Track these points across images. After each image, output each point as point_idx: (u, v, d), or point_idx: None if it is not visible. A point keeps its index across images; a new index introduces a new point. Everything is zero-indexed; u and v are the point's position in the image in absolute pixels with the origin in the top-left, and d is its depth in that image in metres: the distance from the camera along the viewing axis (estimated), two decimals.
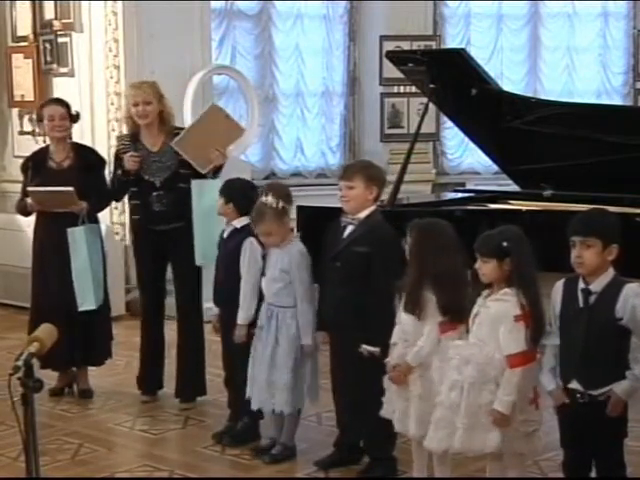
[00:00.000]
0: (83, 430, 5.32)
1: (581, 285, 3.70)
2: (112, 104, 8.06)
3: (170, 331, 5.83)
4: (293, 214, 5.06)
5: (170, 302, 5.83)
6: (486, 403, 3.79)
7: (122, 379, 6.23)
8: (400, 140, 8.87)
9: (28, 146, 7.69)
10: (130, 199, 5.72)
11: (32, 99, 8.42)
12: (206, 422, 5.42)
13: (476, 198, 6.38)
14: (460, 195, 6.75)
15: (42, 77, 8.42)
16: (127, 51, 8.00)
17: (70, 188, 5.54)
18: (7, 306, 8.18)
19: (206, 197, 5.34)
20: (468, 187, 7.79)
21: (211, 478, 4.68)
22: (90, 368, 5.99)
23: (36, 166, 5.81)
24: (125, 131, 6.02)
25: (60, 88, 8.21)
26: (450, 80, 5.95)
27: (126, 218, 7.90)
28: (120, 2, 7.95)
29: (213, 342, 5.54)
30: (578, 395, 3.70)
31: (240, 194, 4.96)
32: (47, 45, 8.36)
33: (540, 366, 3.83)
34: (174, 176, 5.56)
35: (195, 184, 5.46)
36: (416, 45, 9.08)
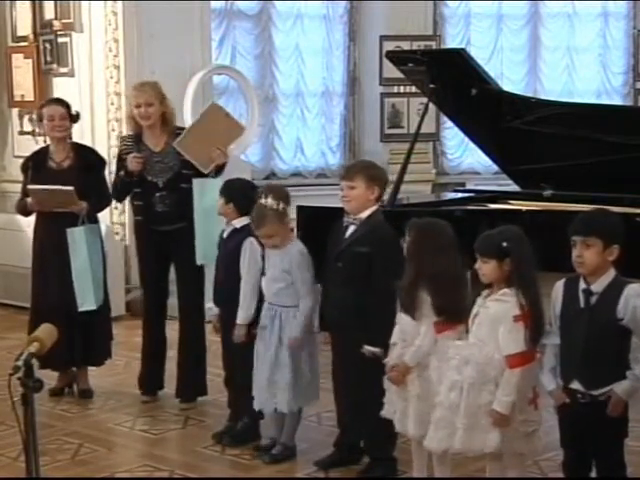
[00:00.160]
0: (83, 430, 5.32)
1: (582, 285, 3.70)
2: (112, 104, 8.07)
3: (171, 331, 5.83)
4: (292, 214, 5.06)
5: (171, 302, 5.83)
6: (486, 403, 3.79)
7: (122, 379, 6.23)
8: (400, 140, 8.87)
9: (28, 146, 7.69)
10: (133, 200, 5.72)
11: (32, 99, 8.42)
12: (206, 422, 5.42)
13: (476, 198, 6.38)
14: (460, 195, 6.76)
15: (42, 77, 8.42)
16: (127, 51, 8.00)
17: (70, 188, 5.54)
18: (7, 306, 8.18)
19: (207, 196, 5.33)
20: (468, 187, 7.79)
21: (211, 478, 4.68)
22: (90, 368, 5.99)
23: (36, 166, 5.81)
24: (126, 131, 6.02)
25: (60, 88, 8.21)
26: (450, 80, 5.95)
27: (126, 218, 7.92)
28: (120, 2, 7.96)
29: (213, 342, 5.53)
30: (579, 395, 3.70)
31: (240, 194, 4.95)
32: (47, 45, 8.36)
33: (540, 366, 3.83)
34: (177, 176, 5.56)
35: (197, 183, 5.46)
36: (416, 45, 9.08)
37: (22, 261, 7.13)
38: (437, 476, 4.18)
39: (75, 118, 5.88)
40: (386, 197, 5.21)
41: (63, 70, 8.31)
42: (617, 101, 10.35)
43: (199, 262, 5.47)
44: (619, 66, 10.52)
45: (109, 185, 5.99)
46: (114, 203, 6.46)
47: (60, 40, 8.26)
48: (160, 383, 5.83)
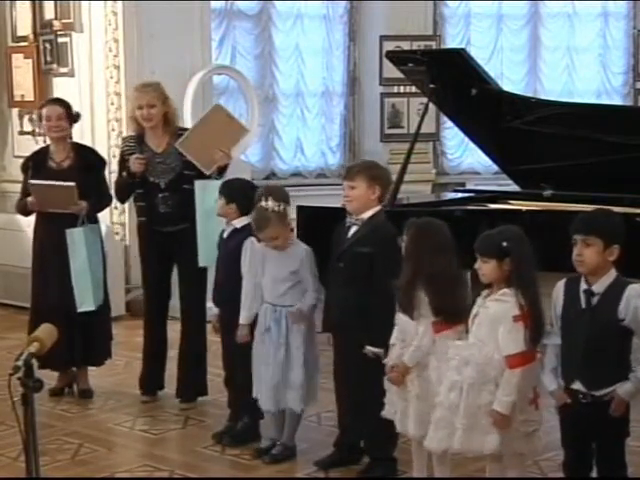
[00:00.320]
0: (83, 430, 5.32)
1: (583, 286, 3.70)
2: (112, 104, 8.07)
3: (171, 331, 5.83)
4: (292, 214, 5.06)
5: (172, 303, 5.83)
6: (485, 404, 3.79)
7: (122, 379, 6.23)
8: (400, 140, 8.87)
9: (28, 146, 7.69)
10: (135, 201, 5.71)
11: (32, 99, 8.42)
12: (206, 422, 5.42)
13: (476, 198, 6.38)
14: (460, 195, 6.76)
15: (42, 77, 8.42)
16: (127, 51, 8.00)
17: (71, 183, 5.53)
18: (7, 306, 8.18)
19: (209, 198, 5.31)
20: (468, 187, 7.79)
21: (211, 478, 4.68)
22: (90, 368, 5.98)
23: (36, 166, 5.81)
24: (126, 131, 6.02)
25: (60, 88, 8.21)
26: (450, 80, 5.95)
27: (126, 218, 7.92)
28: (120, 2, 7.95)
29: (213, 342, 5.53)
30: (580, 395, 3.70)
31: (241, 194, 4.95)
32: (47, 45, 8.36)
33: (542, 366, 3.83)
34: (179, 177, 5.56)
35: (198, 185, 5.45)
36: (416, 45, 9.08)
37: (22, 261, 7.13)
38: (437, 476, 4.18)
39: (75, 118, 5.88)
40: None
41: (63, 70, 8.31)
42: (617, 101, 10.35)
43: (201, 264, 5.45)
44: (619, 66, 10.51)
45: (109, 185, 5.99)
46: (114, 203, 6.45)
47: (60, 40, 8.26)
48: (161, 383, 5.83)
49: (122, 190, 5.76)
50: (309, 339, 4.72)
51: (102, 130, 8.09)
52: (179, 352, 5.72)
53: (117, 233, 8.09)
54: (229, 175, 5.48)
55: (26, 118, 8.62)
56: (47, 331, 2.92)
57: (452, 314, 4.04)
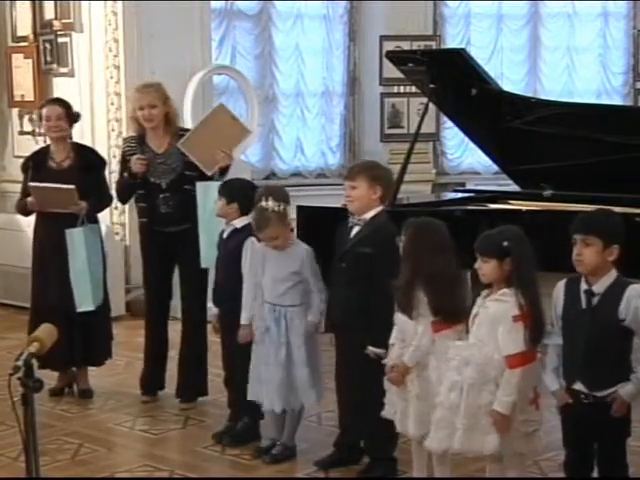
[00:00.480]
0: (83, 430, 5.32)
1: (584, 286, 3.70)
2: (112, 104, 8.07)
3: (172, 332, 5.83)
4: (292, 214, 5.06)
5: (173, 303, 5.83)
6: (486, 404, 3.79)
7: (122, 379, 6.23)
8: (400, 140, 8.87)
9: (28, 146, 7.69)
10: (137, 202, 5.70)
11: (32, 99, 8.42)
12: (206, 422, 5.42)
13: (476, 198, 6.38)
14: (460, 195, 6.76)
15: (42, 77, 8.42)
16: (127, 51, 8.00)
17: (71, 186, 5.54)
18: (7, 306, 8.18)
19: (211, 199, 5.29)
20: (468, 187, 7.79)
21: (211, 478, 4.68)
22: (90, 368, 5.98)
23: (36, 166, 5.81)
24: (126, 131, 6.01)
25: (60, 88, 8.21)
26: (450, 80, 5.95)
27: (126, 218, 7.92)
28: (120, 2, 7.95)
29: (213, 342, 5.53)
30: (582, 396, 3.70)
31: (242, 194, 4.95)
32: (47, 45, 8.36)
33: (543, 366, 3.83)
34: (180, 178, 5.55)
35: (200, 186, 5.45)
36: (416, 45, 9.08)
37: (22, 261, 7.13)
38: (437, 476, 4.18)
39: (75, 118, 5.87)
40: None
41: (63, 70, 8.31)
42: (617, 101, 10.34)
43: (204, 265, 5.43)
44: (619, 66, 10.51)
45: (109, 185, 5.98)
46: (114, 203, 6.46)
47: (60, 40, 8.26)
48: (161, 383, 5.83)
49: (123, 191, 5.75)
50: (310, 338, 4.72)
51: (102, 130, 8.09)
52: (179, 352, 5.72)
53: (117, 233, 8.09)
54: (229, 175, 5.48)
55: (26, 118, 8.62)
56: (47, 331, 2.92)
57: (451, 314, 4.05)
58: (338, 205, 5.41)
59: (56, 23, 8.23)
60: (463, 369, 3.83)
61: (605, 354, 3.66)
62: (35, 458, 2.76)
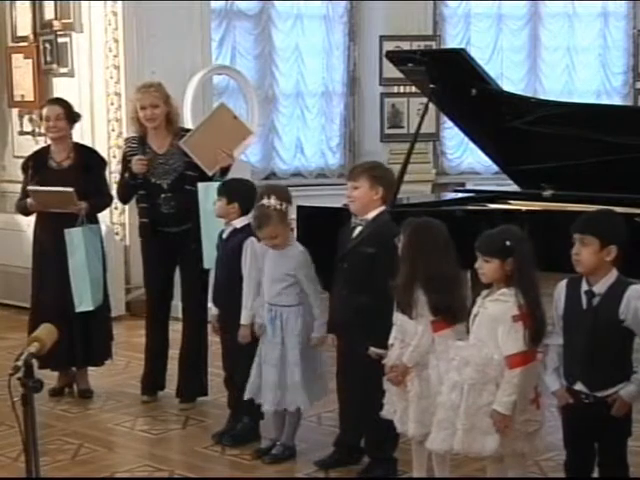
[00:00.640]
0: (83, 430, 5.32)
1: (584, 286, 3.70)
2: (112, 104, 8.07)
3: (172, 331, 5.83)
4: (292, 214, 5.06)
5: (174, 303, 5.83)
6: (486, 404, 3.78)
7: (122, 379, 6.23)
8: (400, 140, 8.88)
9: (28, 146, 7.70)
10: (138, 202, 5.70)
11: (32, 99, 8.43)
12: (206, 422, 5.42)
13: (476, 198, 6.38)
14: (460, 195, 6.75)
15: (42, 77, 8.42)
16: (127, 51, 8.00)
17: (70, 189, 5.54)
18: (7, 306, 8.19)
19: (212, 200, 5.30)
20: (468, 187, 7.78)
21: (211, 478, 4.68)
22: (90, 368, 5.98)
23: (36, 166, 5.82)
24: (126, 131, 6.01)
25: (60, 88, 8.21)
26: (450, 80, 5.94)
27: (126, 218, 7.92)
28: (120, 2, 7.95)
29: (213, 342, 5.53)
30: (583, 396, 3.70)
31: (243, 194, 4.96)
32: (47, 45, 8.36)
33: (544, 366, 3.83)
34: (181, 178, 5.55)
35: (201, 187, 5.44)
36: (416, 45, 9.08)
37: (22, 261, 7.13)
38: (437, 476, 4.18)
39: (75, 118, 5.87)
40: None
41: (63, 70, 8.31)
42: (617, 101, 10.34)
43: (207, 266, 5.42)
44: (619, 66, 10.51)
45: (109, 185, 5.98)
46: (114, 203, 6.46)
47: (60, 40, 8.26)
48: (162, 383, 5.83)
49: (124, 191, 5.75)
50: (306, 339, 4.72)
51: (102, 130, 8.09)
52: (179, 352, 5.72)
53: (117, 233, 8.09)
54: (229, 175, 5.48)
55: (26, 118, 8.62)
56: (47, 331, 2.92)
57: (450, 313, 4.05)
58: (338, 205, 5.42)
59: (56, 23, 8.23)
60: (463, 369, 3.83)
61: (606, 354, 3.66)
62: (35, 458, 2.76)
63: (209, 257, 5.35)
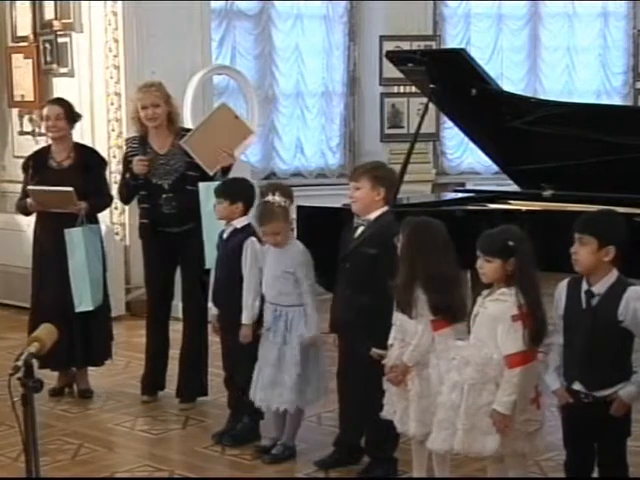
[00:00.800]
0: (83, 430, 5.32)
1: (584, 286, 3.70)
2: (112, 104, 8.07)
3: (172, 331, 5.83)
4: (293, 214, 5.06)
5: (174, 303, 5.83)
6: (486, 404, 3.78)
7: (122, 379, 6.23)
8: (400, 140, 8.88)
9: (28, 146, 7.70)
10: (139, 203, 5.70)
11: (32, 99, 8.43)
12: (206, 422, 5.42)
13: (476, 198, 6.38)
14: (460, 195, 6.75)
15: (42, 77, 8.42)
16: (127, 51, 8.00)
17: (70, 188, 5.54)
18: (7, 306, 8.19)
19: (213, 200, 5.30)
20: (468, 187, 7.78)
21: (211, 478, 4.68)
22: (90, 368, 5.98)
23: (37, 165, 5.82)
24: (126, 131, 6.01)
25: (60, 88, 8.21)
26: (450, 80, 5.94)
27: (126, 218, 7.92)
28: (120, 2, 7.95)
29: (213, 342, 5.53)
30: (582, 395, 3.70)
31: (246, 193, 4.98)
32: (47, 45, 8.36)
33: (546, 365, 3.83)
34: (182, 179, 5.55)
35: (202, 187, 5.44)
36: (416, 45, 9.08)
37: (22, 261, 7.13)
38: (437, 476, 4.18)
39: (75, 118, 5.87)
40: None
41: (63, 70, 8.31)
42: (617, 101, 10.34)
43: (209, 266, 5.42)
44: (619, 66, 10.50)
45: (110, 185, 5.98)
46: (114, 203, 6.46)
47: (60, 40, 8.26)
48: (162, 384, 5.83)
49: (126, 192, 5.75)
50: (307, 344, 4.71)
51: (102, 130, 8.09)
52: (180, 352, 5.72)
53: (117, 233, 8.09)
54: (229, 175, 5.48)
55: (26, 118, 8.62)
56: (47, 331, 2.92)
57: (450, 312, 4.05)
58: (338, 205, 5.42)
59: (56, 23, 8.23)
60: (463, 369, 3.83)
61: (604, 355, 3.66)
62: (35, 458, 2.76)
63: (210, 257, 5.35)
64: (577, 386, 3.71)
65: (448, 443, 3.88)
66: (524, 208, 5.64)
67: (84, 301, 5.67)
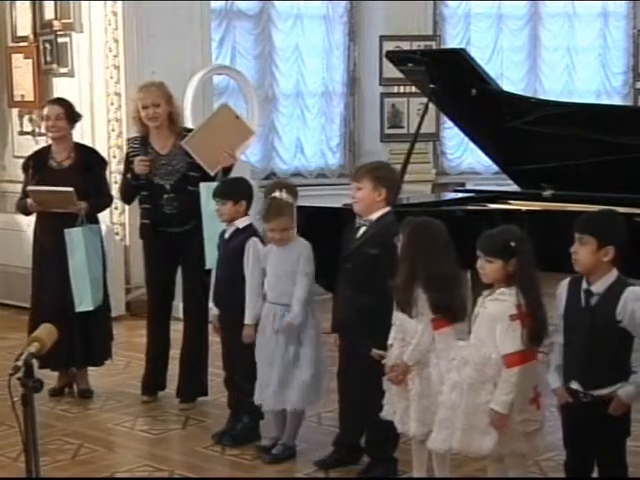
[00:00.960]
0: (83, 430, 5.32)
1: (584, 286, 3.70)
2: (112, 104, 8.07)
3: (172, 331, 5.82)
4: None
5: (174, 303, 5.83)
6: (484, 403, 3.78)
7: (122, 379, 6.23)
8: (400, 140, 8.88)
9: (28, 146, 7.70)
10: (141, 203, 5.70)
11: (32, 99, 8.43)
12: (206, 422, 5.42)
13: (476, 198, 6.38)
14: (460, 195, 6.75)
15: (42, 77, 8.42)
16: (127, 51, 8.00)
17: (70, 188, 5.54)
18: (7, 306, 8.19)
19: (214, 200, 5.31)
20: (468, 187, 7.78)
21: (211, 478, 4.68)
22: (90, 368, 5.98)
23: (37, 165, 5.82)
24: (126, 131, 6.01)
25: (60, 88, 8.21)
26: (450, 80, 5.95)
27: (126, 218, 7.93)
28: (120, 2, 7.96)
29: (213, 342, 5.53)
30: (581, 395, 3.70)
31: (247, 192, 4.99)
32: (47, 45, 8.36)
33: (547, 364, 3.83)
34: (184, 179, 5.55)
35: (203, 187, 5.43)
36: (416, 45, 9.08)
37: (22, 261, 7.13)
38: (437, 476, 4.18)
39: (75, 118, 5.87)
40: None
41: (63, 70, 8.31)
42: (617, 101, 10.34)
43: (209, 266, 5.41)
44: (619, 66, 10.51)
45: (110, 185, 5.98)
46: (114, 203, 6.46)
47: (60, 40, 8.26)
48: (163, 384, 5.83)
49: (127, 192, 5.75)
50: (317, 339, 4.72)
51: (102, 130, 8.09)
52: (180, 352, 5.72)
53: (117, 233, 8.09)
54: (230, 175, 5.48)
55: (26, 118, 8.62)
56: (47, 331, 2.92)
57: (451, 312, 4.05)
58: (338, 205, 5.42)
59: (56, 23, 8.23)
60: (462, 369, 3.83)
61: (603, 354, 3.66)
62: (35, 458, 2.76)
63: (211, 257, 5.35)
64: (575, 385, 3.71)
65: (448, 443, 3.88)
66: (524, 208, 5.64)
67: (84, 301, 5.67)
